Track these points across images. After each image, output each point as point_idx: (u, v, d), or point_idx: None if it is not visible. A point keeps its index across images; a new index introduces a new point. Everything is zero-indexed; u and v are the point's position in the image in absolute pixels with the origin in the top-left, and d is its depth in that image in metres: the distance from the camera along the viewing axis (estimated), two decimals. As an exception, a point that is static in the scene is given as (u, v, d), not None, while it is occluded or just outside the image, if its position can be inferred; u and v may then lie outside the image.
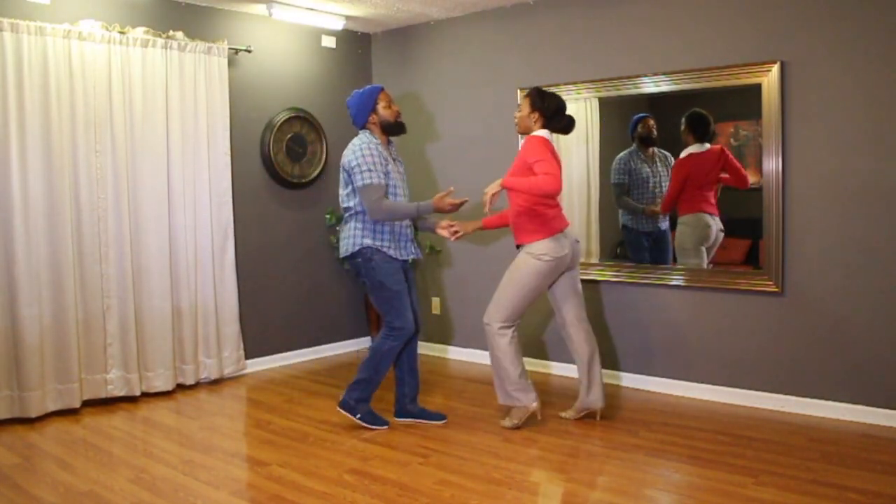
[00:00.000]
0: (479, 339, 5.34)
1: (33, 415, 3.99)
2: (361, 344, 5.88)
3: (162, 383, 4.54)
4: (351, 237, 3.75)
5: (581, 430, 3.76)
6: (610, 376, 4.66)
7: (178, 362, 4.67)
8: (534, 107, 3.69)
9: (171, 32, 4.56)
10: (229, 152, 4.88)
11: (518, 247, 3.78)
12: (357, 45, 5.81)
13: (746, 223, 4.19)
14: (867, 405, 3.76)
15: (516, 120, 3.78)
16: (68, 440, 3.75)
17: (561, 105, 3.71)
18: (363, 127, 3.80)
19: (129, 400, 4.41)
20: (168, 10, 4.64)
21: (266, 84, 5.20)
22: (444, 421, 3.93)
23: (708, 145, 4.32)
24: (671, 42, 4.28)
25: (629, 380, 4.58)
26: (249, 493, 3.08)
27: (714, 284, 4.21)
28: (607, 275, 4.66)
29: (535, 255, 3.64)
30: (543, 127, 3.70)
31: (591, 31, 4.62)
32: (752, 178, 4.17)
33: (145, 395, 4.49)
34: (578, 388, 3.91)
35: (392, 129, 3.82)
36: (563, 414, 3.95)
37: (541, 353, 5.08)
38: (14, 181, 3.96)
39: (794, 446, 3.47)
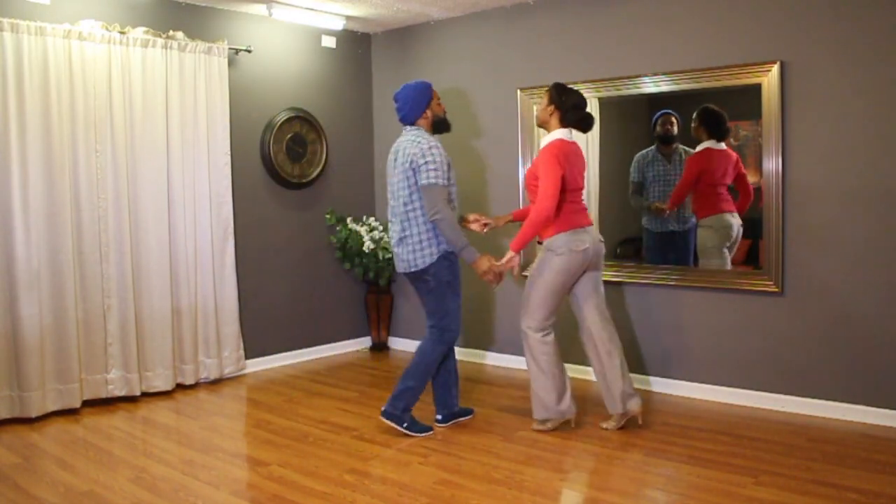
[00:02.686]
0: (479, 340, 5.35)
1: (33, 415, 3.99)
2: (361, 344, 5.88)
3: (162, 383, 4.54)
4: (419, 248, 3.56)
5: (581, 431, 3.75)
6: (610, 376, 4.67)
7: (177, 362, 4.67)
8: (551, 100, 3.72)
9: (171, 32, 4.56)
10: (229, 152, 4.88)
11: (540, 244, 3.79)
12: (357, 45, 5.81)
13: (746, 223, 4.20)
14: (867, 405, 3.76)
15: (537, 112, 3.83)
16: (68, 440, 3.75)
17: (580, 102, 3.71)
18: (413, 123, 3.66)
19: (129, 400, 4.41)
20: (168, 10, 4.64)
21: (266, 84, 5.20)
22: (472, 415, 4.00)
23: (723, 145, 4.23)
24: (671, 42, 4.28)
25: (629, 380, 4.58)
26: (249, 493, 3.08)
27: (714, 284, 4.21)
28: (607, 275, 4.64)
29: (553, 249, 3.63)
30: (560, 121, 3.70)
31: (591, 31, 4.62)
32: (751, 178, 4.17)
33: (145, 394, 4.49)
34: (603, 394, 3.76)
35: (441, 126, 3.73)
36: (603, 424, 3.77)
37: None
38: (14, 181, 3.96)
39: (794, 446, 3.47)
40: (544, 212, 3.53)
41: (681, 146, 4.47)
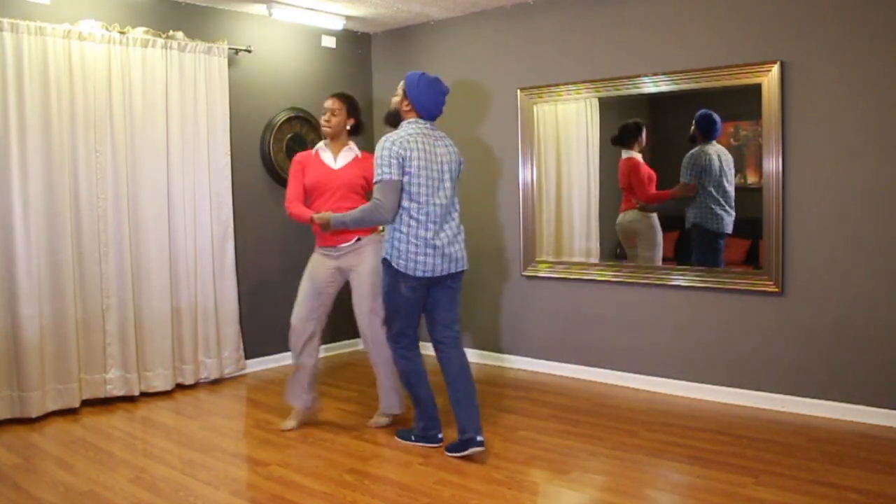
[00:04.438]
0: (469, 341, 5.35)
1: (33, 415, 3.98)
2: (362, 344, 5.87)
3: (161, 383, 4.54)
4: (461, 242, 3.50)
5: (580, 431, 3.76)
6: (610, 376, 4.67)
7: (177, 362, 4.67)
8: (348, 112, 3.82)
9: (171, 32, 4.56)
10: (229, 152, 4.88)
11: (358, 239, 3.93)
12: (357, 45, 5.81)
13: (746, 223, 4.19)
14: (867, 405, 3.76)
15: (331, 125, 3.79)
16: (68, 440, 3.75)
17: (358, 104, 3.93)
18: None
19: (129, 400, 4.41)
20: (168, 10, 4.64)
21: (266, 84, 5.20)
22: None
23: (633, 153, 4.60)
24: (671, 42, 4.28)
25: (629, 380, 4.58)
26: (249, 493, 3.08)
27: (714, 284, 4.21)
28: (607, 275, 4.65)
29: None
30: (353, 129, 3.85)
31: (591, 31, 4.62)
32: (752, 178, 4.18)
33: (144, 394, 4.49)
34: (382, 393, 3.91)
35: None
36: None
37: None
38: (14, 181, 3.96)
39: (794, 446, 3.47)
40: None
41: (712, 146, 4.29)
